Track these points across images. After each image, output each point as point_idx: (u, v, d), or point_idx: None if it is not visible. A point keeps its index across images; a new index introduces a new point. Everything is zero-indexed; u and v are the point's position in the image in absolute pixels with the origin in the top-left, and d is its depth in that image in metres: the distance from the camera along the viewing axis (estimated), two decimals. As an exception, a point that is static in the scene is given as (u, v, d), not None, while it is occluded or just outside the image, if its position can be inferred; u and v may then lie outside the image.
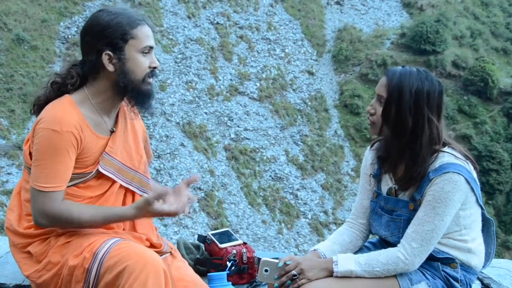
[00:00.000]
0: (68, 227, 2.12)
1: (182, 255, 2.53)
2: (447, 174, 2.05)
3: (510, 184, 27.82)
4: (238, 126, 26.81)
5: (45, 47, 25.88)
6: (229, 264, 2.60)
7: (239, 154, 25.97)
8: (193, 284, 2.22)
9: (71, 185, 2.13)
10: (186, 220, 22.92)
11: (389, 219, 2.21)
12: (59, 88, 2.17)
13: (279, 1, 31.78)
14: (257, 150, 26.46)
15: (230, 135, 26.49)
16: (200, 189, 24.03)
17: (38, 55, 25.56)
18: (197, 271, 2.49)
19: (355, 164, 27.40)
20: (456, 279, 2.14)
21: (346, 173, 27.34)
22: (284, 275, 2.10)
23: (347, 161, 27.78)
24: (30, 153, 2.15)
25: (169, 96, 26.34)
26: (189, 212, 2.22)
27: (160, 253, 2.25)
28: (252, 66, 29.09)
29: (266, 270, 2.14)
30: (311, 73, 30.26)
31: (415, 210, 2.13)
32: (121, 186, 2.22)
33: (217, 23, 29.73)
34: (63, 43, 26.42)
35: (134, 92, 2.16)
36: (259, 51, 29.70)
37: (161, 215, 2.11)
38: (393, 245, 2.16)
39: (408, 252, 2.07)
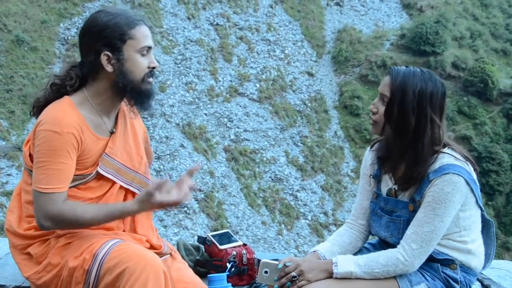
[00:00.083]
0: (72, 228, 2.12)
1: (182, 257, 2.53)
2: (447, 175, 2.05)
3: (510, 185, 27.82)
4: (238, 127, 26.81)
5: (45, 48, 25.88)
6: (229, 265, 2.60)
7: (239, 155, 25.97)
8: (193, 285, 2.22)
9: (71, 187, 2.13)
10: (186, 221, 22.91)
11: (388, 220, 2.21)
12: (59, 89, 2.17)
13: (279, 2, 31.79)
14: (257, 151, 26.46)
15: (230, 136, 26.49)
16: (200, 190, 24.02)
17: (38, 56, 25.56)
18: (197, 272, 2.49)
19: (355, 165, 27.39)
20: (456, 280, 2.14)
21: (346, 174, 27.33)
22: (284, 277, 2.10)
23: (347, 162, 27.78)
24: (30, 155, 2.15)
25: (169, 97, 26.34)
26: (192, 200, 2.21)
27: (160, 254, 2.25)
28: (252, 67, 29.10)
29: (266, 272, 2.14)
30: (311, 74, 30.26)
31: (414, 211, 2.12)
32: (121, 187, 2.22)
33: (217, 24, 29.74)
34: (63, 44, 26.42)
35: (134, 92, 2.16)
36: (259, 52, 29.70)
37: (163, 206, 2.10)
38: (393, 246, 2.16)
39: (407, 253, 2.07)
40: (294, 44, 30.91)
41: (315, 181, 26.58)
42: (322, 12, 32.76)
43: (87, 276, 2.01)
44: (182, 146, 25.15)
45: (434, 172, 2.08)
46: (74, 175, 2.12)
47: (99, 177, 2.18)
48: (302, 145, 27.52)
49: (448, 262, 2.14)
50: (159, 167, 23.88)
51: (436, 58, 30.48)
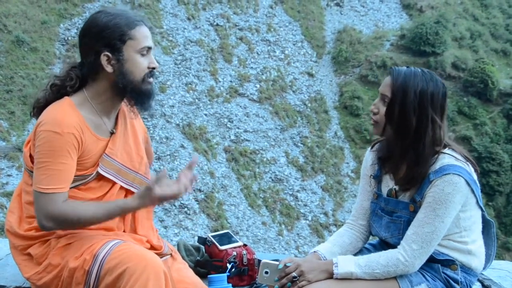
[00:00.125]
0: (74, 227, 2.12)
1: (182, 257, 2.53)
2: (447, 176, 2.05)
3: (510, 185, 27.80)
4: (238, 128, 26.81)
5: (45, 48, 25.88)
6: (229, 266, 2.60)
7: (239, 156, 25.97)
8: (194, 286, 2.22)
9: (72, 187, 2.13)
10: (186, 222, 22.91)
11: (389, 221, 2.21)
12: (59, 90, 2.17)
13: (279, 3, 31.79)
14: (257, 152, 26.46)
15: (230, 136, 26.49)
16: (200, 190, 24.02)
17: (38, 56, 25.56)
18: (197, 273, 2.49)
19: (355, 166, 27.39)
20: (456, 281, 2.14)
21: (346, 174, 27.33)
22: (284, 277, 2.10)
23: (347, 163, 27.77)
24: (30, 156, 2.15)
25: (169, 98, 26.34)
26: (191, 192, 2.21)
27: (161, 255, 2.25)
28: (252, 67, 29.10)
29: (266, 272, 2.14)
30: (311, 75, 30.26)
31: (415, 212, 2.12)
32: (121, 187, 2.22)
33: (217, 24, 29.74)
34: (63, 44, 26.43)
35: (134, 93, 2.17)
36: (259, 53, 29.70)
37: (164, 199, 2.10)
38: (393, 246, 2.16)
39: (408, 254, 2.07)
40: (294, 44, 30.91)
41: (315, 181, 26.57)
42: (322, 13, 32.76)
43: (87, 277, 2.01)
44: (182, 146, 25.15)
45: (435, 172, 2.08)
46: (75, 176, 2.12)
47: (100, 177, 2.18)
48: (302, 145, 27.51)
49: (449, 263, 2.14)
50: (160, 168, 23.88)
51: (436, 58, 30.47)
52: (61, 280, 2.07)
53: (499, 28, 34.59)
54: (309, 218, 25.28)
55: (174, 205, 23.04)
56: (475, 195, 2.11)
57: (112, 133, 2.22)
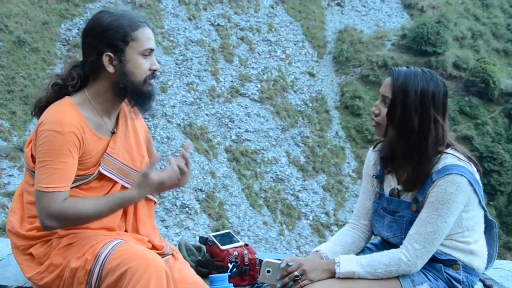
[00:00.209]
0: (76, 224, 2.12)
1: (184, 257, 2.53)
2: (450, 176, 2.05)
3: (511, 185, 27.78)
4: (239, 128, 26.81)
5: (46, 49, 25.90)
6: (230, 265, 2.59)
7: (240, 156, 25.97)
8: (195, 285, 2.22)
9: (74, 187, 2.13)
10: (187, 221, 22.91)
11: (391, 220, 2.21)
12: (60, 89, 2.17)
13: (280, 3, 31.79)
14: (258, 152, 26.46)
15: (231, 136, 26.49)
16: (201, 190, 24.03)
17: (39, 57, 25.58)
18: (199, 272, 2.49)
19: (356, 166, 27.38)
20: (458, 281, 2.14)
21: (347, 174, 27.32)
22: (286, 276, 2.10)
23: (348, 163, 27.76)
24: (32, 156, 2.15)
25: (170, 98, 26.35)
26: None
27: (162, 255, 2.25)
28: (253, 67, 29.10)
29: (268, 271, 2.14)
30: (312, 75, 30.25)
31: (417, 211, 2.12)
32: (123, 186, 2.22)
33: (218, 24, 29.74)
34: (64, 45, 26.44)
35: (134, 94, 2.17)
36: (260, 53, 29.70)
37: (162, 185, 2.11)
38: (395, 246, 2.16)
39: (410, 253, 2.07)
40: (295, 44, 30.90)
41: (316, 181, 26.56)
42: (323, 13, 32.75)
43: (89, 277, 2.01)
44: (183, 146, 25.14)
45: (437, 172, 2.08)
46: (76, 176, 2.12)
47: (101, 177, 2.18)
48: (303, 145, 27.51)
49: (451, 263, 2.14)
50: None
51: (437, 58, 30.45)
52: (62, 280, 2.07)
53: (500, 27, 34.56)
54: (310, 218, 25.28)
55: (176, 205, 23.06)
56: (477, 195, 2.10)
57: (113, 133, 2.22)
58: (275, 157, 26.59)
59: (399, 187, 2.21)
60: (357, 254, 2.24)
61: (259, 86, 28.51)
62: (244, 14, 30.65)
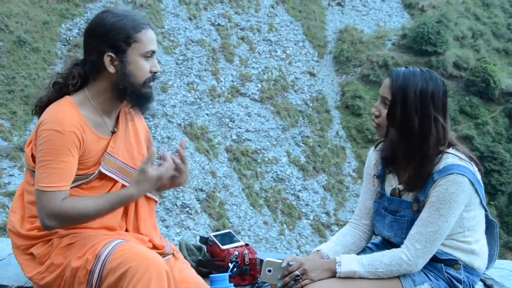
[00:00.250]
0: (76, 224, 2.12)
1: (184, 257, 2.53)
2: (451, 176, 2.05)
3: (512, 185, 27.78)
4: (240, 128, 26.81)
5: (46, 49, 25.90)
6: (231, 265, 2.59)
7: (241, 156, 25.97)
8: (196, 285, 2.22)
9: (74, 187, 2.13)
10: (188, 221, 22.92)
11: (392, 220, 2.21)
12: (61, 88, 2.17)
13: (280, 3, 31.78)
14: (259, 152, 26.46)
15: (231, 136, 26.49)
16: (201, 190, 24.03)
17: (40, 57, 25.59)
18: (199, 272, 2.49)
19: (357, 165, 27.38)
20: (459, 281, 2.14)
21: (348, 174, 27.31)
22: (287, 276, 2.10)
23: (349, 162, 27.76)
24: (32, 155, 2.15)
25: (171, 98, 26.35)
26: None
27: (163, 254, 2.25)
28: (253, 67, 29.09)
29: (269, 270, 2.14)
30: (312, 74, 30.25)
31: (418, 211, 2.12)
32: (123, 186, 2.22)
33: (218, 24, 29.74)
34: (64, 45, 26.45)
35: (134, 95, 2.17)
36: (260, 53, 29.70)
37: (161, 180, 2.11)
38: (396, 246, 2.16)
39: (411, 253, 2.07)
40: (295, 44, 30.90)
41: (317, 181, 26.56)
42: (324, 12, 32.75)
43: (90, 277, 2.01)
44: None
45: (439, 172, 2.08)
46: (77, 175, 2.12)
47: (102, 176, 2.18)
48: (303, 145, 27.51)
49: (452, 262, 2.14)
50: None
51: (437, 58, 30.44)
52: (63, 280, 2.07)
53: (500, 27, 34.54)
54: (311, 217, 25.28)
55: (176, 205, 23.06)
56: (478, 195, 2.10)
57: (113, 132, 2.22)
58: (275, 157, 26.59)
59: (400, 186, 2.21)
60: (358, 253, 2.24)
61: (259, 86, 28.51)
62: (245, 14, 30.65)
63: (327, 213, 25.69)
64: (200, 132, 25.89)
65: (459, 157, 2.10)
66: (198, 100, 26.97)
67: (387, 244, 2.27)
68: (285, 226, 24.59)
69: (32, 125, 22.62)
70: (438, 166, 2.09)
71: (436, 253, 2.11)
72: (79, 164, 2.12)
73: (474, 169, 2.11)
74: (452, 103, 28.14)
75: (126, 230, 2.26)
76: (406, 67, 2.17)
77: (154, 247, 2.25)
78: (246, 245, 2.70)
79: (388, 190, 2.25)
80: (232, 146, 26.21)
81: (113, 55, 2.12)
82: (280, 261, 2.14)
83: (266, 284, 2.51)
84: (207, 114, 26.74)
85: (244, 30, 30.10)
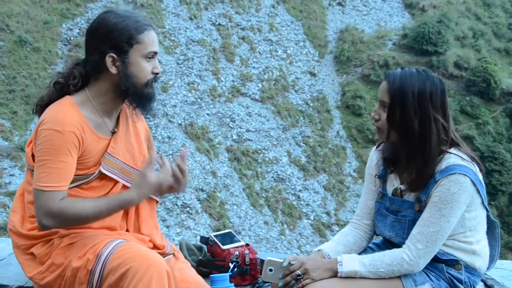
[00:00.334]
0: (74, 225, 2.11)
1: (185, 257, 2.53)
2: (453, 176, 2.05)
3: (512, 185, 27.77)
4: (240, 127, 26.81)
5: (47, 48, 25.91)
6: (231, 265, 2.59)
7: (241, 155, 25.97)
8: (196, 285, 2.22)
9: (74, 186, 2.13)
10: (188, 221, 22.92)
11: (394, 220, 2.21)
12: (62, 88, 2.17)
13: (281, 2, 31.79)
14: (259, 151, 26.46)
15: (232, 136, 26.49)
16: (202, 190, 24.03)
17: (41, 56, 25.59)
18: (200, 272, 2.49)
19: (357, 165, 27.37)
20: (460, 281, 2.13)
21: (348, 174, 27.31)
22: (288, 275, 2.10)
23: (349, 162, 27.75)
24: (32, 155, 2.15)
25: (171, 98, 26.36)
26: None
27: (163, 254, 2.25)
28: (254, 67, 29.09)
29: (270, 270, 2.14)
30: (313, 74, 30.25)
31: (420, 211, 2.12)
32: (124, 186, 2.22)
33: (219, 24, 29.75)
34: (65, 44, 26.45)
35: (135, 96, 2.17)
36: (261, 52, 29.70)
37: (160, 186, 2.12)
38: (398, 246, 2.15)
39: (413, 253, 2.07)
40: (296, 44, 30.90)
41: (317, 181, 26.56)
42: (324, 12, 32.74)
43: (90, 276, 2.01)
44: (184, 146, 25.15)
45: (441, 172, 2.08)
46: (77, 175, 2.12)
47: (102, 176, 2.18)
48: (304, 145, 27.51)
49: (453, 263, 2.14)
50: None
51: (438, 57, 30.43)
52: (64, 280, 2.07)
53: (501, 27, 34.53)
54: (311, 217, 25.28)
55: (177, 205, 23.07)
56: (480, 195, 2.10)
57: (113, 132, 2.22)
58: (276, 156, 26.59)
59: (402, 186, 2.21)
60: (359, 253, 2.24)
61: (260, 85, 28.51)
62: (245, 13, 30.65)
63: (328, 213, 25.69)
64: (200, 132, 25.89)
65: (461, 157, 2.10)
66: (198, 100, 26.97)
67: (388, 244, 2.27)
68: (285, 226, 24.59)
69: (33, 125, 22.63)
70: (440, 166, 2.09)
71: (437, 253, 2.11)
72: (79, 164, 2.11)
73: (476, 169, 2.10)
74: (452, 103, 28.14)
75: (127, 230, 2.26)
76: (402, 68, 2.17)
77: (155, 247, 2.25)
78: (247, 245, 2.70)
79: (389, 190, 2.25)
80: (232, 146, 26.22)
81: (115, 55, 2.12)
82: (282, 260, 2.14)
83: (267, 283, 2.51)
84: (207, 114, 26.74)
85: (244, 30, 30.10)
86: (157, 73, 2.18)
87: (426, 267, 2.11)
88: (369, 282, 2.07)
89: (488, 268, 2.24)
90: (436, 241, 2.06)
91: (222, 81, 28.01)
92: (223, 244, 2.67)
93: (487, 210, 2.17)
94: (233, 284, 2.43)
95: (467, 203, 2.07)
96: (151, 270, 1.95)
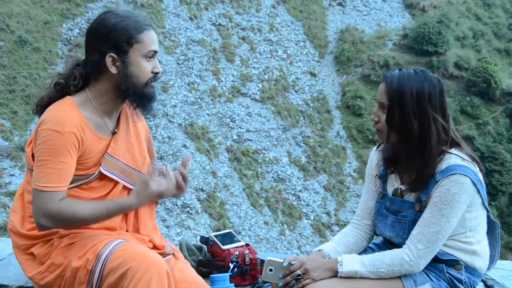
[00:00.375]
0: (72, 226, 2.11)
1: (185, 257, 2.53)
2: (453, 176, 2.05)
3: (513, 185, 27.76)
4: (240, 128, 26.81)
5: (47, 48, 25.91)
6: (231, 265, 2.59)
7: (241, 156, 25.97)
8: (196, 285, 2.21)
9: (74, 187, 2.13)
10: (188, 221, 22.92)
11: (394, 220, 2.21)
12: (62, 89, 2.17)
13: (281, 3, 31.79)
14: (259, 152, 26.46)
15: (232, 136, 26.49)
16: (202, 190, 24.03)
17: (41, 56, 25.60)
18: (200, 272, 2.49)
19: (358, 165, 27.37)
20: (460, 281, 2.13)
21: (349, 174, 27.31)
22: (288, 275, 2.10)
23: (350, 162, 27.75)
24: (32, 155, 2.15)
25: (171, 98, 26.36)
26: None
27: (163, 254, 2.25)
28: (254, 67, 29.10)
29: (270, 270, 2.14)
30: (313, 74, 30.25)
31: (420, 211, 2.12)
32: (124, 187, 2.22)
33: (219, 24, 29.75)
34: (65, 44, 26.46)
35: (136, 96, 2.17)
36: (261, 53, 29.70)
37: (162, 193, 2.12)
38: (398, 246, 2.16)
39: (413, 253, 2.07)
40: (296, 44, 30.90)
41: (317, 181, 26.56)
42: (324, 12, 32.75)
43: (90, 276, 2.01)
44: (184, 146, 25.16)
45: (441, 172, 2.08)
46: (77, 175, 2.12)
47: (102, 177, 2.18)
48: (304, 145, 27.51)
49: (453, 263, 2.13)
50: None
51: (438, 58, 30.43)
52: (64, 280, 2.06)
53: (502, 27, 34.52)
54: (311, 217, 25.28)
55: (177, 205, 23.06)
56: (480, 196, 2.10)
57: (114, 133, 2.22)
58: (276, 157, 26.59)
59: (403, 187, 2.21)
60: (360, 254, 2.24)
61: (260, 86, 28.51)
62: (246, 13, 30.65)
63: (328, 213, 25.68)
64: (200, 132, 25.89)
65: (461, 157, 2.10)
66: (199, 100, 26.98)
67: (388, 244, 2.27)
68: (285, 226, 24.59)
69: (33, 125, 22.63)
70: (440, 166, 2.09)
71: (438, 254, 2.11)
72: (79, 164, 2.11)
73: (476, 169, 2.10)
74: (453, 103, 28.14)
75: (126, 231, 2.26)
76: (400, 70, 2.17)
77: (155, 247, 2.25)
78: (247, 245, 2.70)
79: (390, 190, 2.25)
80: (232, 146, 26.22)
81: (115, 55, 2.11)
82: (282, 260, 2.14)
83: (267, 284, 2.51)
84: (207, 114, 26.74)
85: (245, 30, 30.10)
86: (157, 73, 2.18)
87: (426, 267, 2.11)
88: (369, 282, 2.07)
89: (488, 269, 2.24)
90: (437, 241, 2.06)
91: (222, 81, 28.02)
92: (223, 244, 2.67)
93: (487, 211, 2.17)
94: (233, 284, 2.43)
95: (467, 204, 2.07)
96: (151, 270, 1.95)
